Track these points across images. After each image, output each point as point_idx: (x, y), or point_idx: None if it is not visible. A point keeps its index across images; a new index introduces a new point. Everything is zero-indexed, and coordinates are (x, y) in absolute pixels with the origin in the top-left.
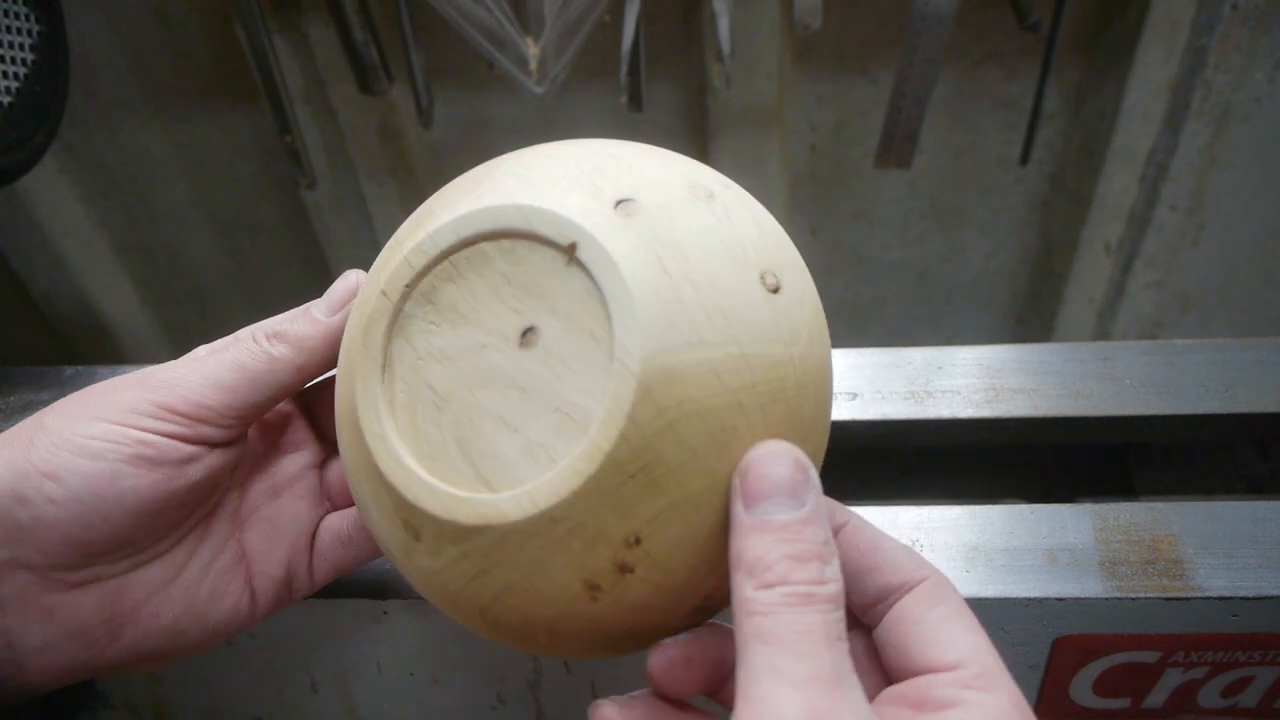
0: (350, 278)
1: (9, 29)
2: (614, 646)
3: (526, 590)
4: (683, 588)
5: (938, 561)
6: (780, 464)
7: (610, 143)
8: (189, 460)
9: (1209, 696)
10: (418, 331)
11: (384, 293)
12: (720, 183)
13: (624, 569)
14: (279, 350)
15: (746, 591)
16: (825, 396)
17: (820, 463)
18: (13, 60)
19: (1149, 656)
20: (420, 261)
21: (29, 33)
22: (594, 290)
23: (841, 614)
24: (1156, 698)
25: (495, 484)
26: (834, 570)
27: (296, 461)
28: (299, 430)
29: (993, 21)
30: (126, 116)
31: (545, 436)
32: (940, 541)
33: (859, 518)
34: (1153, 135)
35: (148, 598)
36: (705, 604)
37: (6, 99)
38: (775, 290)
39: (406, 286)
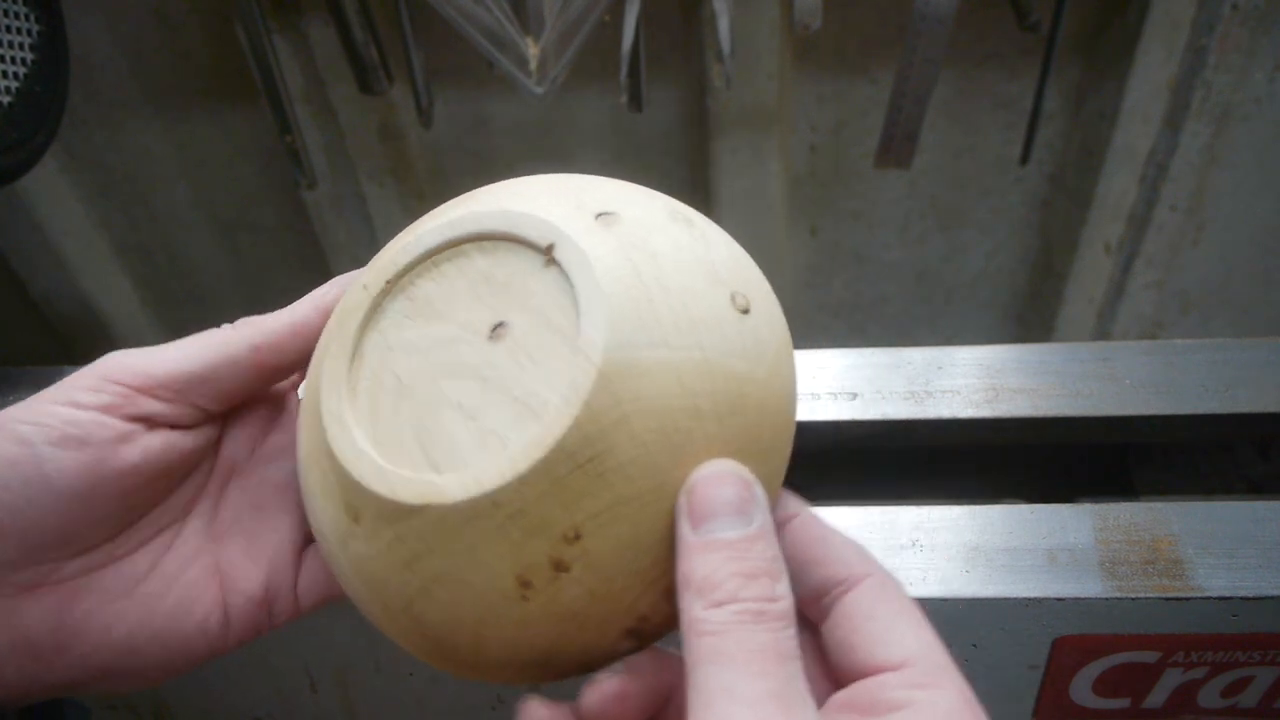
0: (338, 280)
1: (9, 29)
2: (540, 665)
3: (457, 582)
4: (617, 599)
5: (938, 561)
6: (726, 482)
7: (600, 177)
8: (121, 439)
9: (1209, 696)
10: (391, 325)
11: (365, 286)
12: (699, 215)
13: (560, 567)
14: (240, 329)
15: (696, 611)
16: (786, 425)
17: (776, 490)
18: (13, 60)
19: (1149, 656)
20: (404, 260)
21: (29, 33)
22: (567, 287)
23: (793, 631)
24: (1156, 698)
25: (443, 467)
26: (784, 587)
27: (285, 470)
28: (287, 439)
29: (993, 21)
30: (126, 116)
31: (501, 424)
32: (940, 541)
33: (810, 511)
34: (1153, 135)
35: (100, 607)
36: (639, 627)
37: (6, 99)
38: (745, 311)
39: (387, 282)
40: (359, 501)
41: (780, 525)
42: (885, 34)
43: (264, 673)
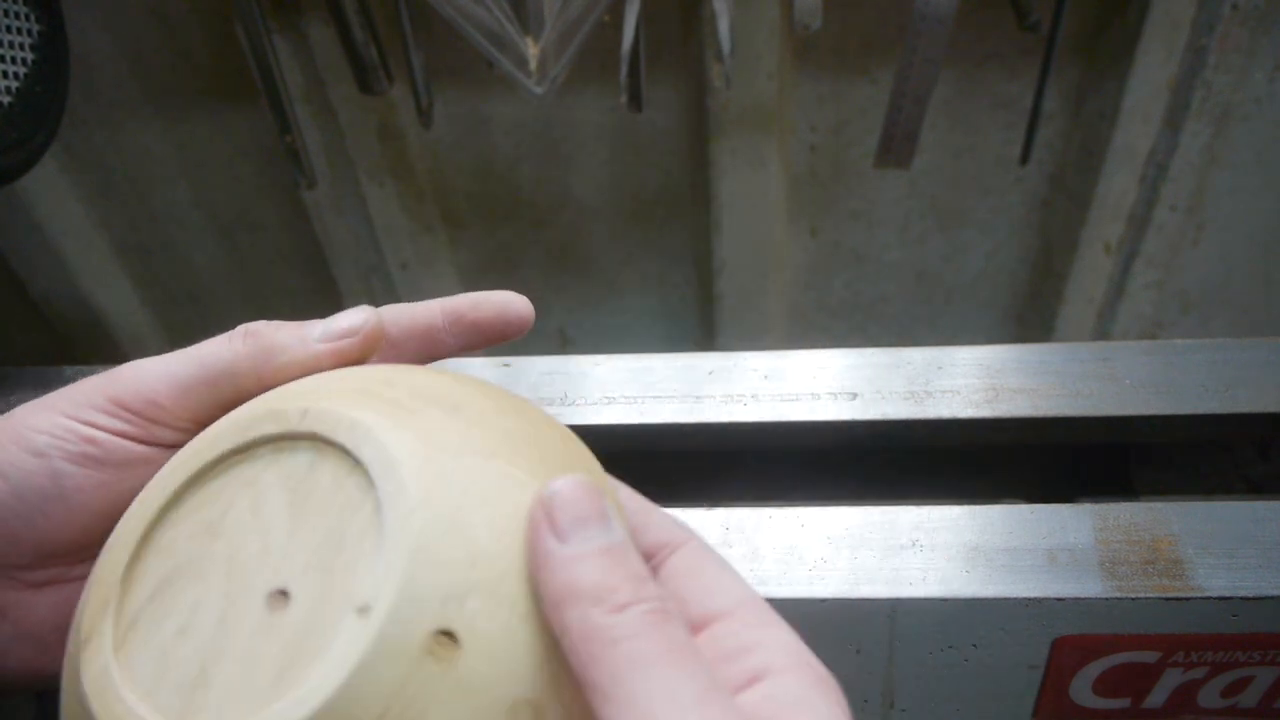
0: (360, 314)
1: (9, 29)
2: None
3: None
4: None
5: (938, 561)
6: (584, 493)
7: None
8: (138, 462)
9: (1209, 696)
10: (164, 547)
11: (141, 500)
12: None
13: None
14: (242, 347)
15: (596, 619)
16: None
17: None
18: (13, 60)
19: (1149, 656)
20: (183, 474)
21: (29, 33)
22: (373, 527)
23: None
24: (1156, 698)
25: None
26: (663, 589)
27: None
28: None
29: (993, 21)
30: (126, 116)
31: (260, 682)
32: (940, 541)
33: (626, 487)
34: (1153, 135)
35: None
36: None
37: (6, 99)
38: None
39: (171, 493)
40: None
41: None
42: (885, 34)
43: None
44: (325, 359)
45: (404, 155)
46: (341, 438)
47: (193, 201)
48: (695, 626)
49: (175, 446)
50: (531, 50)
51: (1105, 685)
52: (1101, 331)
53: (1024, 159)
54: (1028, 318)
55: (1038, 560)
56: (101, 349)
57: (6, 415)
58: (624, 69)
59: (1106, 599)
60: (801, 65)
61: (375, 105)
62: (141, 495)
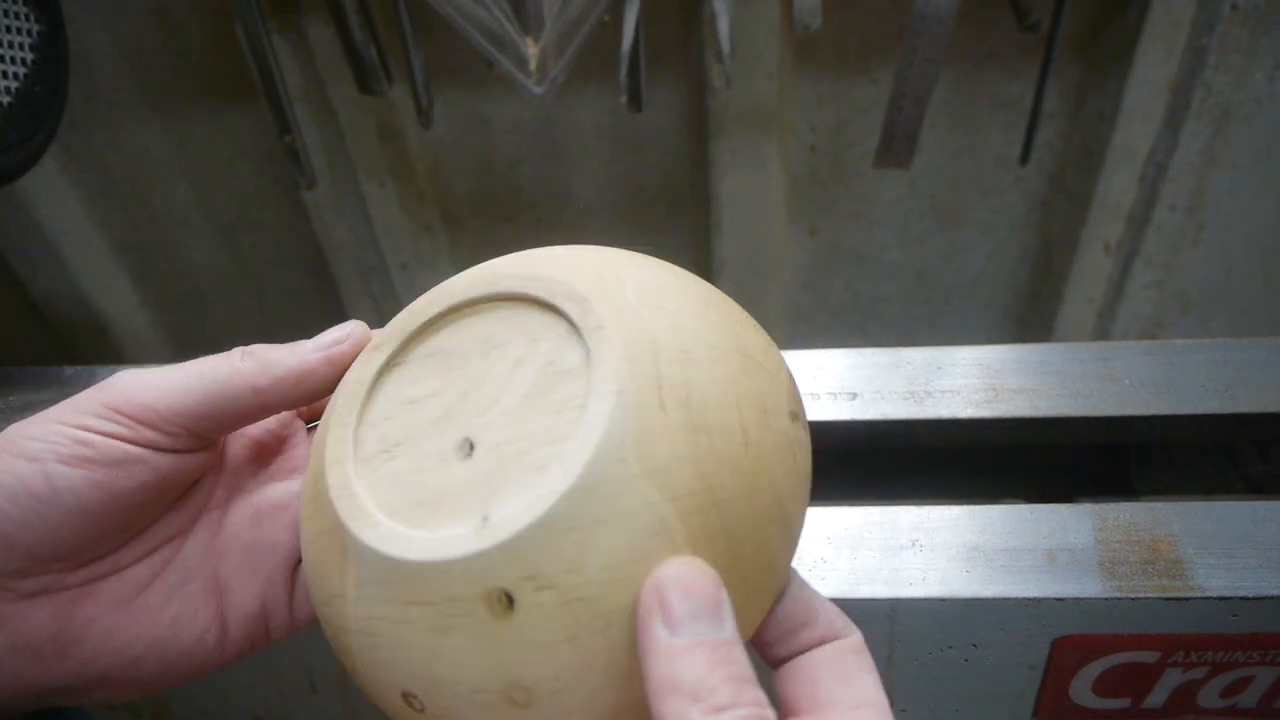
0: (347, 326)
1: (9, 29)
2: None
3: (434, 635)
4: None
5: (938, 561)
6: (699, 583)
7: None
8: (131, 461)
9: (1209, 696)
10: (400, 384)
11: (377, 346)
12: (761, 342)
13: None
14: (242, 365)
15: (693, 717)
16: (777, 564)
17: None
18: (13, 60)
19: (1149, 656)
20: (419, 320)
21: (29, 33)
22: (585, 377)
23: None
24: (1156, 698)
25: (435, 528)
26: (758, 692)
27: (286, 490)
28: (295, 459)
29: (993, 21)
30: (126, 116)
31: (487, 497)
32: (940, 541)
33: (799, 578)
34: (1153, 135)
35: (101, 615)
36: None
37: (6, 99)
38: (795, 418)
39: (401, 343)
40: (359, 558)
41: (790, 635)
42: (885, 34)
43: (264, 673)
44: (319, 366)
45: (404, 155)
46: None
47: (193, 201)
48: (809, 711)
49: (169, 450)
50: (531, 50)
51: (1105, 685)
52: (1101, 331)
53: (1024, 159)
54: (1028, 318)
55: (1038, 560)
56: (101, 349)
57: (3, 433)
58: (624, 69)
59: (1106, 599)
60: (801, 65)
61: (375, 105)
62: (374, 342)
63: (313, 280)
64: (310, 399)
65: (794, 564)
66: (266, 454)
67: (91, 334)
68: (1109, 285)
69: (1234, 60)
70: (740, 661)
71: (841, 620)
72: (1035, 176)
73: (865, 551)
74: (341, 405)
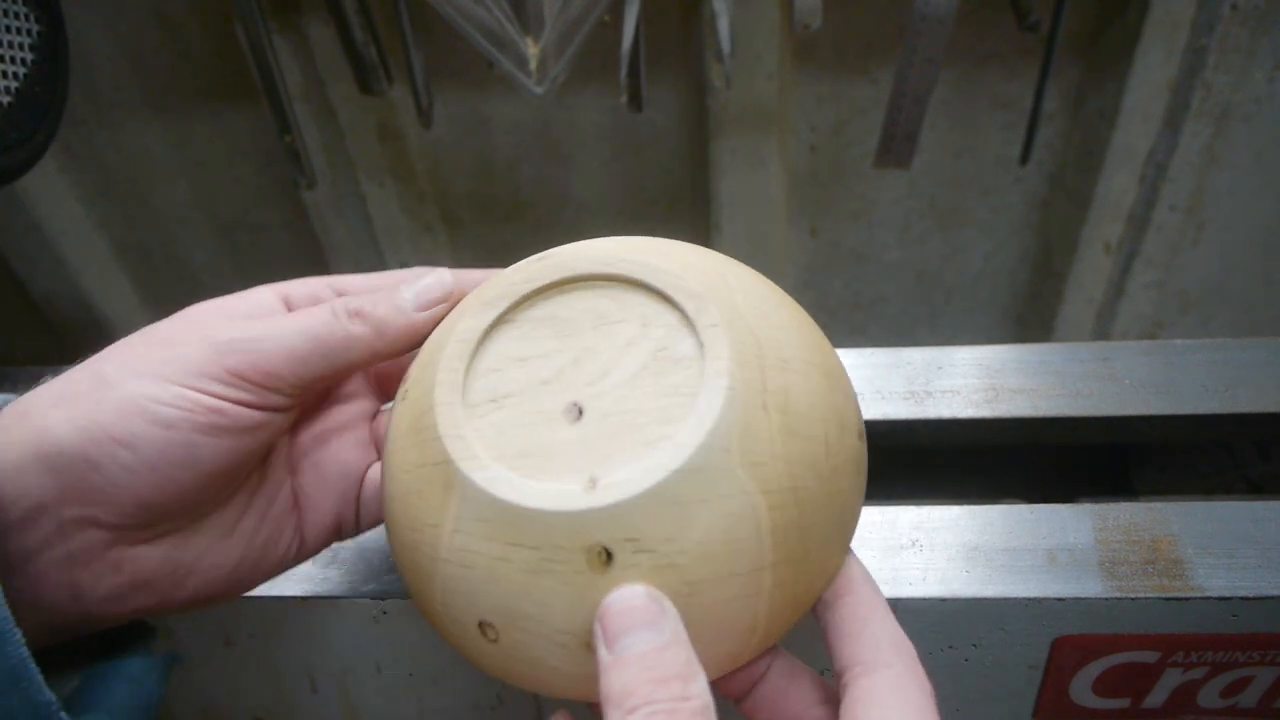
0: (445, 277)
1: (9, 29)
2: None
3: (532, 579)
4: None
5: (938, 561)
6: (634, 600)
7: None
8: (259, 427)
9: (1209, 696)
10: (509, 341)
11: (488, 302)
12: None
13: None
14: (358, 329)
15: None
16: (842, 549)
17: (821, 586)
18: (13, 60)
19: (1149, 656)
20: (537, 281)
21: (29, 33)
22: (697, 369)
23: None
24: (1156, 698)
25: (541, 478)
26: (698, 686)
27: (349, 411)
28: (357, 380)
29: (993, 21)
30: (126, 116)
31: (598, 459)
32: (940, 541)
33: (862, 592)
34: (1153, 135)
35: (209, 548)
36: None
37: (6, 99)
38: (861, 436)
39: (514, 301)
40: (464, 494)
41: (835, 598)
42: (885, 34)
43: (264, 673)
44: (425, 326)
45: (404, 155)
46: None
47: (193, 201)
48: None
49: (288, 410)
50: (531, 50)
51: (1105, 685)
52: (1101, 331)
53: (1024, 159)
54: (1028, 318)
55: (1038, 560)
56: (101, 349)
57: (99, 383)
58: (624, 69)
59: (1106, 599)
60: (801, 65)
61: (375, 105)
62: (485, 296)
63: None
64: (409, 351)
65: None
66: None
67: (91, 334)
68: (1109, 285)
69: (1234, 60)
70: (670, 663)
71: (887, 644)
72: (1035, 176)
73: (865, 551)
74: (451, 351)
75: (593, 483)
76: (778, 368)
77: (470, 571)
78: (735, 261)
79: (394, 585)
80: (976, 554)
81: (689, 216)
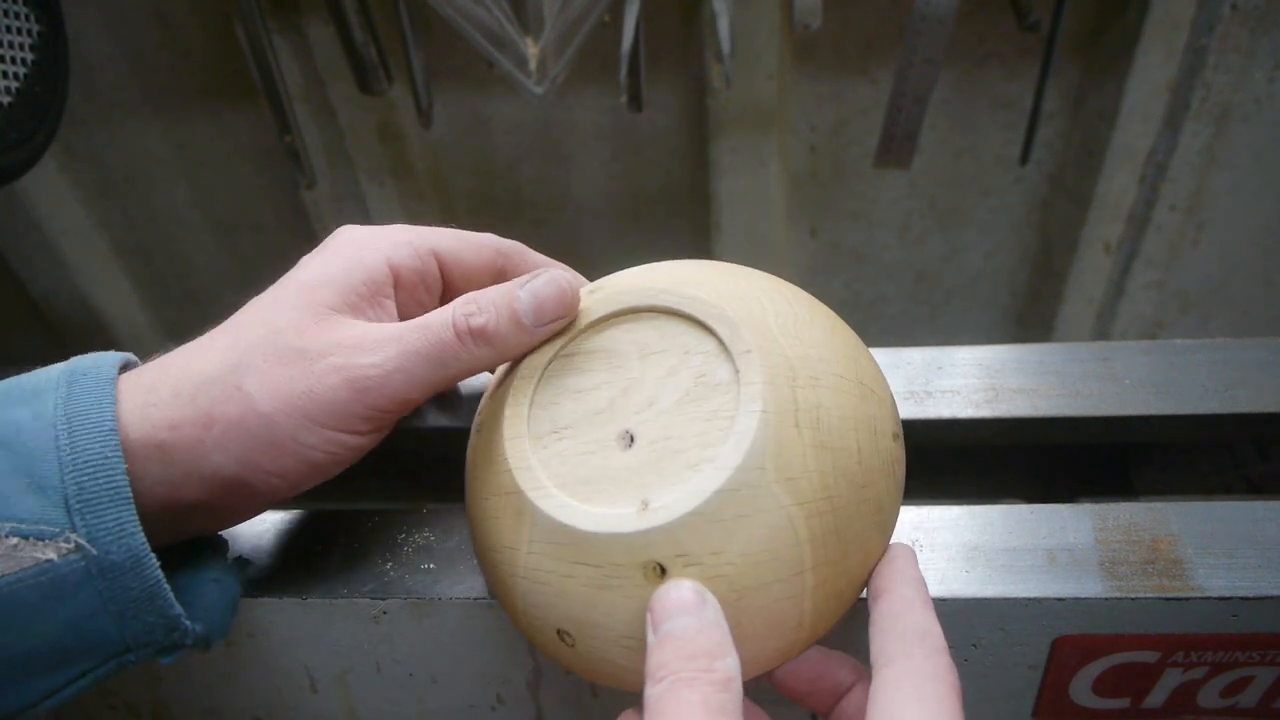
0: (564, 287)
1: (9, 29)
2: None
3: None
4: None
5: (937, 561)
6: (679, 590)
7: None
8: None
9: (1209, 696)
10: (566, 372)
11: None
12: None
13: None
14: (482, 352)
15: (647, 692)
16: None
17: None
18: (13, 60)
19: (1149, 656)
20: (596, 314)
21: (29, 33)
22: (733, 400)
23: (729, 696)
24: (1156, 698)
25: (595, 503)
26: (726, 664)
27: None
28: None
29: (993, 21)
30: (126, 116)
31: (646, 486)
32: (940, 541)
33: (901, 593)
34: (1152, 135)
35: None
36: None
37: (6, 99)
38: (897, 437)
39: (575, 333)
40: (534, 520)
41: (878, 595)
42: (885, 34)
43: (264, 673)
44: (540, 338)
45: (404, 155)
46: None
47: (193, 201)
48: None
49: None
50: (531, 50)
51: (1105, 685)
52: (1101, 331)
53: (1024, 159)
54: (1028, 318)
55: (1038, 560)
56: (101, 349)
57: (248, 409)
58: (624, 69)
59: (1106, 599)
60: (801, 65)
61: (375, 105)
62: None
63: None
64: None
65: None
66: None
67: (91, 334)
68: (1109, 285)
69: (1234, 60)
70: (703, 642)
71: (914, 636)
72: (1035, 176)
73: None
74: (517, 386)
75: (644, 505)
76: (808, 385)
77: (544, 587)
78: (776, 280)
79: (394, 585)
80: (976, 554)
81: (689, 216)
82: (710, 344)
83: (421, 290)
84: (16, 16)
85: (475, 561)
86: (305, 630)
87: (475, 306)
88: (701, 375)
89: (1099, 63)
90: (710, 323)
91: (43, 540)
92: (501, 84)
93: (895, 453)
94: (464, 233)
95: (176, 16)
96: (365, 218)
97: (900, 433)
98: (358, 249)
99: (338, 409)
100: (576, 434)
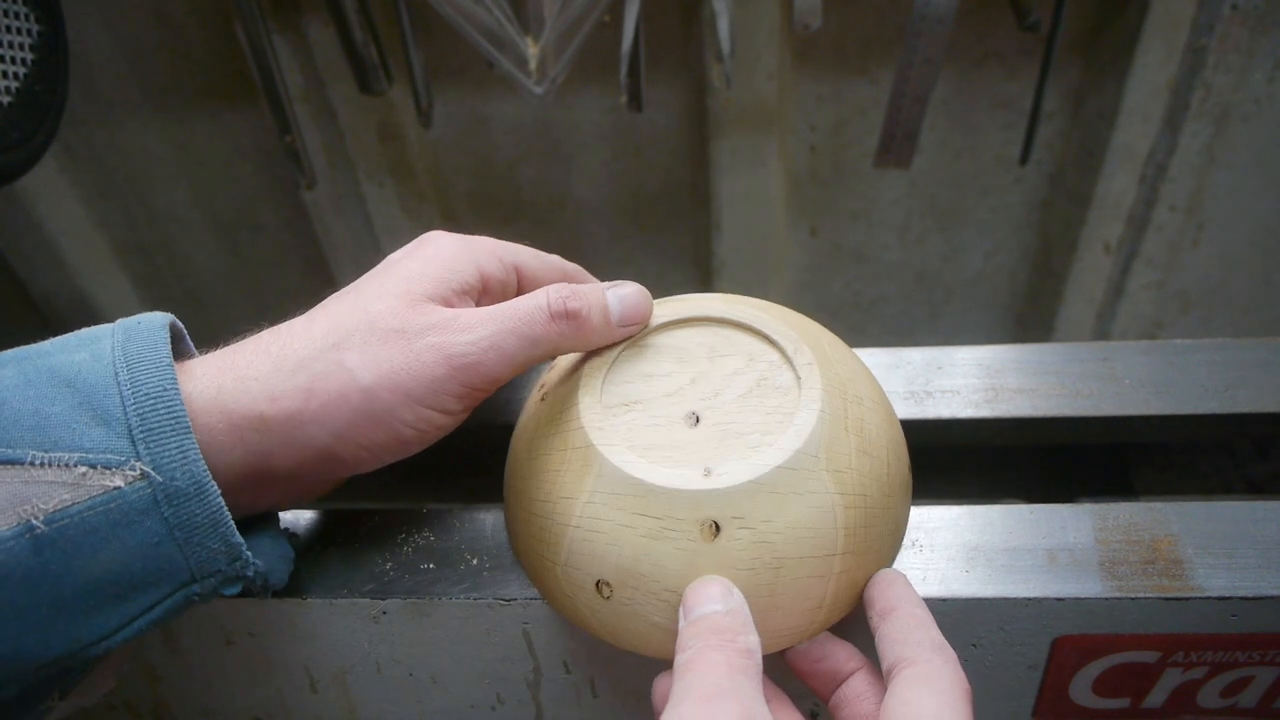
0: (644, 306)
1: (9, 29)
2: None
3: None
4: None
5: (937, 561)
6: (710, 585)
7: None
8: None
9: (1208, 696)
10: (637, 358)
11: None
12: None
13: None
14: (569, 335)
15: (677, 660)
16: (896, 549)
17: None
18: (13, 60)
19: (1148, 656)
20: (668, 317)
21: (29, 33)
22: (794, 396)
23: (750, 663)
24: (1156, 698)
25: (662, 466)
26: (747, 639)
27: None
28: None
29: (993, 21)
30: (126, 116)
31: (707, 456)
32: (940, 541)
33: (913, 609)
34: (1152, 135)
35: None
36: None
37: (6, 99)
38: (910, 469)
39: (647, 330)
40: (601, 472)
41: (887, 612)
42: (885, 34)
43: (264, 673)
44: (618, 337)
45: (404, 155)
46: (777, 337)
47: (193, 201)
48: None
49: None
50: (531, 50)
51: (1105, 685)
52: (1101, 331)
53: (1024, 159)
54: (1028, 318)
55: (1037, 560)
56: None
57: (345, 378)
58: (624, 69)
59: (1106, 599)
60: (801, 65)
61: (375, 105)
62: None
63: (313, 280)
64: None
65: None
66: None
67: None
68: (1109, 285)
69: (1234, 60)
70: (728, 622)
71: (912, 643)
72: (1035, 176)
73: None
74: (592, 363)
75: (708, 471)
76: (855, 402)
77: (598, 535)
78: (812, 320)
79: (394, 585)
80: (976, 554)
81: (689, 216)
82: (774, 355)
83: (501, 299)
84: (16, 16)
85: (474, 561)
86: (305, 630)
87: (570, 292)
88: (764, 379)
89: (1099, 63)
90: (776, 337)
91: (110, 469)
92: (501, 84)
93: (909, 479)
94: (539, 252)
95: (176, 16)
96: (365, 218)
97: (910, 466)
98: (454, 253)
99: (435, 385)
100: (646, 409)
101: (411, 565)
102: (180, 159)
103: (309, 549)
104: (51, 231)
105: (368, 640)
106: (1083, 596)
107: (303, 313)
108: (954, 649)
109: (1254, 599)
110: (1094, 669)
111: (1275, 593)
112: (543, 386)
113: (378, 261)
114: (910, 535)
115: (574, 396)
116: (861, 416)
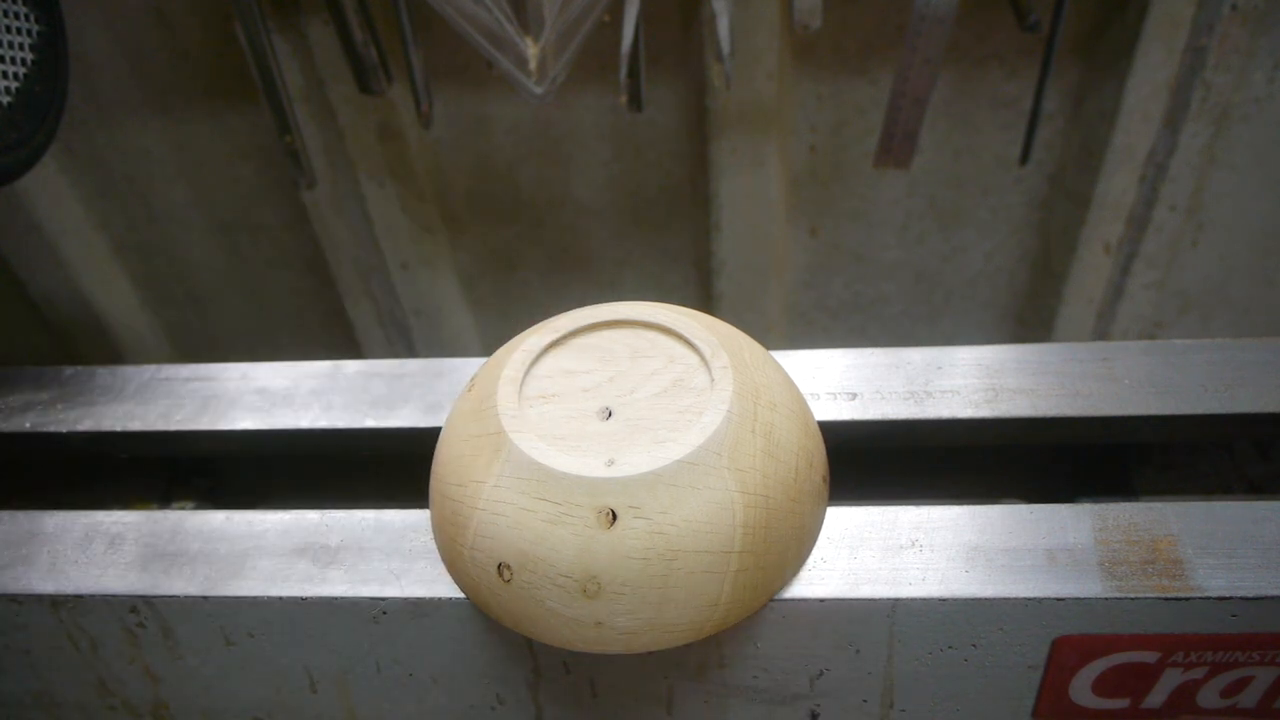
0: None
1: (9, 29)
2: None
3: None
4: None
5: (937, 561)
6: None
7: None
8: None
9: (1208, 696)
10: (555, 360)
11: (538, 333)
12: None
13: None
14: None
15: None
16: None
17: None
18: (13, 60)
19: (1148, 656)
20: (571, 325)
21: (29, 33)
22: (706, 394)
23: None
24: (1156, 698)
25: (570, 454)
26: None
27: None
28: None
29: (993, 21)
30: (126, 116)
31: (614, 447)
32: (940, 541)
33: None
34: (1152, 135)
35: None
36: None
37: (6, 99)
38: (825, 481)
39: (560, 335)
40: (508, 457)
41: None
42: (885, 34)
43: (264, 673)
44: None
45: (404, 155)
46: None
47: (193, 201)
48: None
49: None
50: (531, 50)
51: (1105, 685)
52: (1101, 331)
53: (1024, 159)
54: (1027, 318)
55: (1037, 560)
56: (101, 349)
57: None
58: (624, 69)
59: (1106, 599)
60: (801, 65)
61: (375, 105)
62: (549, 325)
63: (313, 280)
64: None
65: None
66: None
67: (91, 334)
68: (1109, 285)
69: (1234, 60)
70: None
71: None
72: (1035, 176)
73: (865, 551)
74: (516, 358)
75: (611, 462)
76: (768, 408)
77: (501, 519)
78: (740, 331)
79: (394, 585)
80: (976, 554)
81: (689, 216)
82: (693, 359)
83: None
84: (16, 16)
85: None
86: (305, 630)
87: None
88: (680, 380)
89: (1099, 63)
90: (696, 342)
91: None
92: (501, 84)
93: (822, 491)
94: None
95: (176, 16)
96: (365, 218)
97: (828, 480)
98: None
99: None
100: (561, 402)
101: (411, 565)
102: (180, 159)
103: (310, 549)
104: (51, 231)
105: (368, 640)
106: (1082, 596)
107: (302, 312)
108: (954, 649)
109: (1254, 599)
110: (1094, 669)
111: (1275, 593)
112: (473, 379)
113: (378, 261)
114: (910, 535)
115: (494, 387)
116: (772, 421)
